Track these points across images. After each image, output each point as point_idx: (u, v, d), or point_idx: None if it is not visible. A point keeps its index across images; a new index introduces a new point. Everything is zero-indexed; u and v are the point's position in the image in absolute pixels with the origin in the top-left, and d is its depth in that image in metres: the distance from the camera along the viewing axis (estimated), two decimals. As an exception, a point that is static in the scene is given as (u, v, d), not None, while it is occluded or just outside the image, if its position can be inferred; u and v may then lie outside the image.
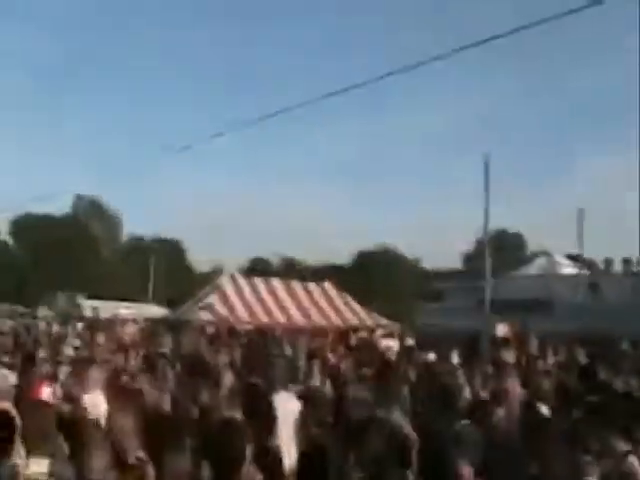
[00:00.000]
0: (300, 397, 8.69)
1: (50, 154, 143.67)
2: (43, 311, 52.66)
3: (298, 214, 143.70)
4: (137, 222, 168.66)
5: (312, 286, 37.10)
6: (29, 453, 5.88)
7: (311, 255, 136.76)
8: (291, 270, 73.08)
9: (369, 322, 35.88)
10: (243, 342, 23.25)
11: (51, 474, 5.78)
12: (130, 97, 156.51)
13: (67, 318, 42.35)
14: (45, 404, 7.22)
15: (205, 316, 32.01)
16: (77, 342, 21.68)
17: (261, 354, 16.57)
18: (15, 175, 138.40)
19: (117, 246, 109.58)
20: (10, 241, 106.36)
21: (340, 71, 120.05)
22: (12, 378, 11.21)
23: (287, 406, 8.39)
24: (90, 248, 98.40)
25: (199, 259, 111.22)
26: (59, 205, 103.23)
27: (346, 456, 5.49)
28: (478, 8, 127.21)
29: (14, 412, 6.39)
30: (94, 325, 34.76)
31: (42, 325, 33.78)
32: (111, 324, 35.61)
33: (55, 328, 31.69)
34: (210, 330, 30.12)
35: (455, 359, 18.83)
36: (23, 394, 8.96)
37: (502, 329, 29.90)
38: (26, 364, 12.33)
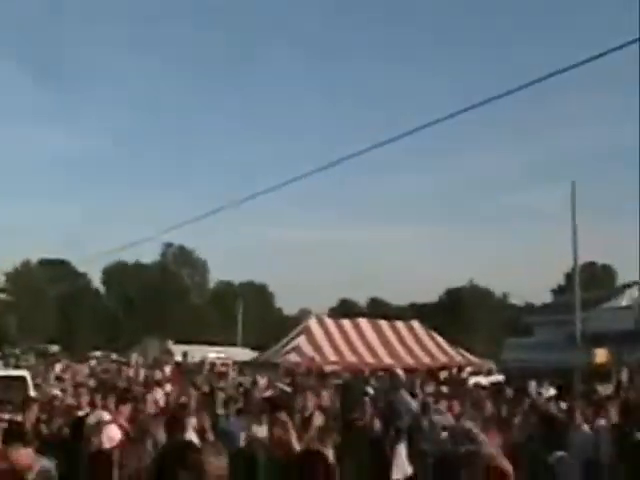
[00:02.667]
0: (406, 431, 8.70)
1: (139, 201, 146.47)
2: (135, 357, 53.38)
3: (385, 254, 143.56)
4: (225, 268, 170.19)
5: (400, 325, 36.83)
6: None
7: (399, 295, 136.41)
8: (379, 310, 72.81)
9: (458, 360, 35.43)
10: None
11: None
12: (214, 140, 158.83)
13: (158, 363, 42.80)
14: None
15: (293, 358, 32.04)
16: (168, 386, 21.87)
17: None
18: (105, 223, 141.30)
19: (205, 291, 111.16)
20: (102, 290, 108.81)
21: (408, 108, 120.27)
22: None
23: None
24: (179, 294, 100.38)
25: (287, 302, 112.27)
26: (149, 253, 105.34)
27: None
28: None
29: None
30: (183, 369, 35.10)
31: (131, 371, 34.15)
32: (200, 368, 35.87)
33: (142, 373, 31.98)
34: (299, 371, 30.08)
35: (549, 392, 18.50)
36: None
37: (602, 355, 29.26)
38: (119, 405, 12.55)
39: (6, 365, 31.98)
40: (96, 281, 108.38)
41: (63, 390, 18.68)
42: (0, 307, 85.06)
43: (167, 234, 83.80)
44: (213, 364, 37.56)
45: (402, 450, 8.42)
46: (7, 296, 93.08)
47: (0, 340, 72.29)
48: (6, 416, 10.93)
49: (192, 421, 10.30)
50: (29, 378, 18.72)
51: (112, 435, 9.23)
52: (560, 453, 7.31)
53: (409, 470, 7.67)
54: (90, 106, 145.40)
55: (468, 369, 34.32)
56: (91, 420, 11.00)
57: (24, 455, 7.22)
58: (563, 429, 9.58)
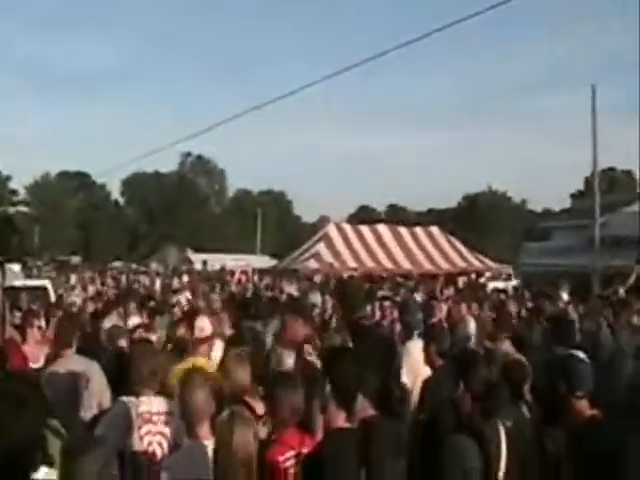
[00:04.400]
0: (424, 334, 8.70)
1: (156, 112, 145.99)
2: (154, 266, 53.85)
3: (403, 160, 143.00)
4: (244, 176, 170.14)
5: (419, 231, 36.74)
6: (140, 392, 6.12)
7: (417, 201, 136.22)
8: (397, 217, 72.75)
9: (476, 265, 35.44)
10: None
11: (159, 412, 6.03)
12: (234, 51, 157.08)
13: (177, 272, 43.17)
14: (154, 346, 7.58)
15: (312, 264, 32.12)
16: (187, 293, 22.04)
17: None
18: (123, 136, 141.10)
19: (224, 200, 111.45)
20: (121, 201, 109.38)
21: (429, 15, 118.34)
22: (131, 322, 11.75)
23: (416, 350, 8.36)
24: (198, 203, 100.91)
25: (305, 210, 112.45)
26: (167, 163, 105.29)
27: (457, 385, 5.51)
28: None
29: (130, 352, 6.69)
30: (202, 277, 35.38)
31: (147, 279, 34.45)
32: (220, 275, 36.14)
33: (158, 281, 32.18)
34: (318, 278, 30.19)
35: (565, 296, 18.50)
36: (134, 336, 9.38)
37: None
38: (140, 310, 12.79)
39: (29, 277, 32.34)
40: (115, 192, 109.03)
41: (86, 299, 18.92)
42: (21, 220, 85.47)
43: (185, 143, 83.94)
44: (232, 272, 37.79)
45: (413, 348, 8.42)
46: (28, 209, 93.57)
47: (22, 252, 72.80)
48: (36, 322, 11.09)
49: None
50: (50, 288, 18.95)
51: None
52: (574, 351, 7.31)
53: (424, 371, 7.69)
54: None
55: (487, 274, 34.38)
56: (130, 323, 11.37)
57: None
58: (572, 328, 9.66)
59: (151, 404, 6.08)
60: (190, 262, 57.68)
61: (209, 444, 4.96)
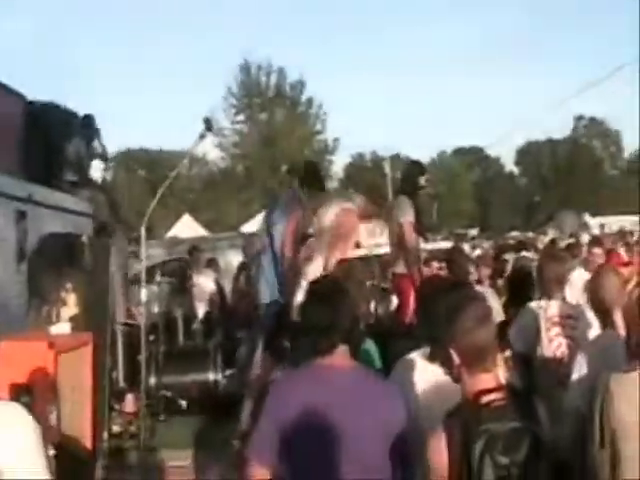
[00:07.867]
0: None
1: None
2: (551, 233, 53.48)
3: None
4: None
5: None
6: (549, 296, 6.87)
7: None
8: None
9: None
10: None
11: (567, 316, 6.74)
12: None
13: (574, 236, 42.64)
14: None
15: None
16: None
17: None
18: (512, 107, 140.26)
19: (620, 161, 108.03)
20: (516, 171, 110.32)
21: None
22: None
23: None
24: (592, 167, 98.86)
25: None
26: (559, 128, 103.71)
27: None
28: None
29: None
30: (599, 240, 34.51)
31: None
32: (617, 237, 35.20)
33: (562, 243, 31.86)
34: None
35: None
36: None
37: None
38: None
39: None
40: (509, 163, 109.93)
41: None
42: (424, 199, 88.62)
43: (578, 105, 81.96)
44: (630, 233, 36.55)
45: None
46: (428, 188, 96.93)
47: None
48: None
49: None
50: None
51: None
52: None
53: None
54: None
55: None
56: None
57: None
58: None
59: (559, 308, 6.74)
60: (587, 227, 56.52)
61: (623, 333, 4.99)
